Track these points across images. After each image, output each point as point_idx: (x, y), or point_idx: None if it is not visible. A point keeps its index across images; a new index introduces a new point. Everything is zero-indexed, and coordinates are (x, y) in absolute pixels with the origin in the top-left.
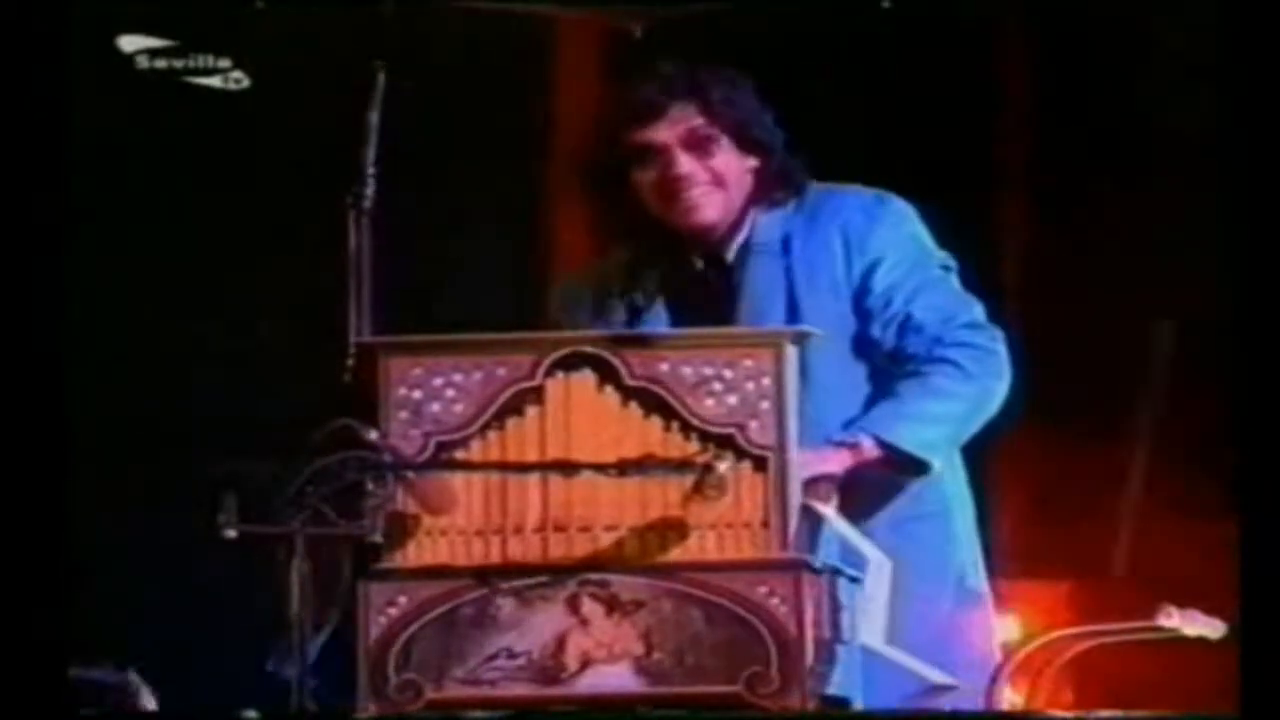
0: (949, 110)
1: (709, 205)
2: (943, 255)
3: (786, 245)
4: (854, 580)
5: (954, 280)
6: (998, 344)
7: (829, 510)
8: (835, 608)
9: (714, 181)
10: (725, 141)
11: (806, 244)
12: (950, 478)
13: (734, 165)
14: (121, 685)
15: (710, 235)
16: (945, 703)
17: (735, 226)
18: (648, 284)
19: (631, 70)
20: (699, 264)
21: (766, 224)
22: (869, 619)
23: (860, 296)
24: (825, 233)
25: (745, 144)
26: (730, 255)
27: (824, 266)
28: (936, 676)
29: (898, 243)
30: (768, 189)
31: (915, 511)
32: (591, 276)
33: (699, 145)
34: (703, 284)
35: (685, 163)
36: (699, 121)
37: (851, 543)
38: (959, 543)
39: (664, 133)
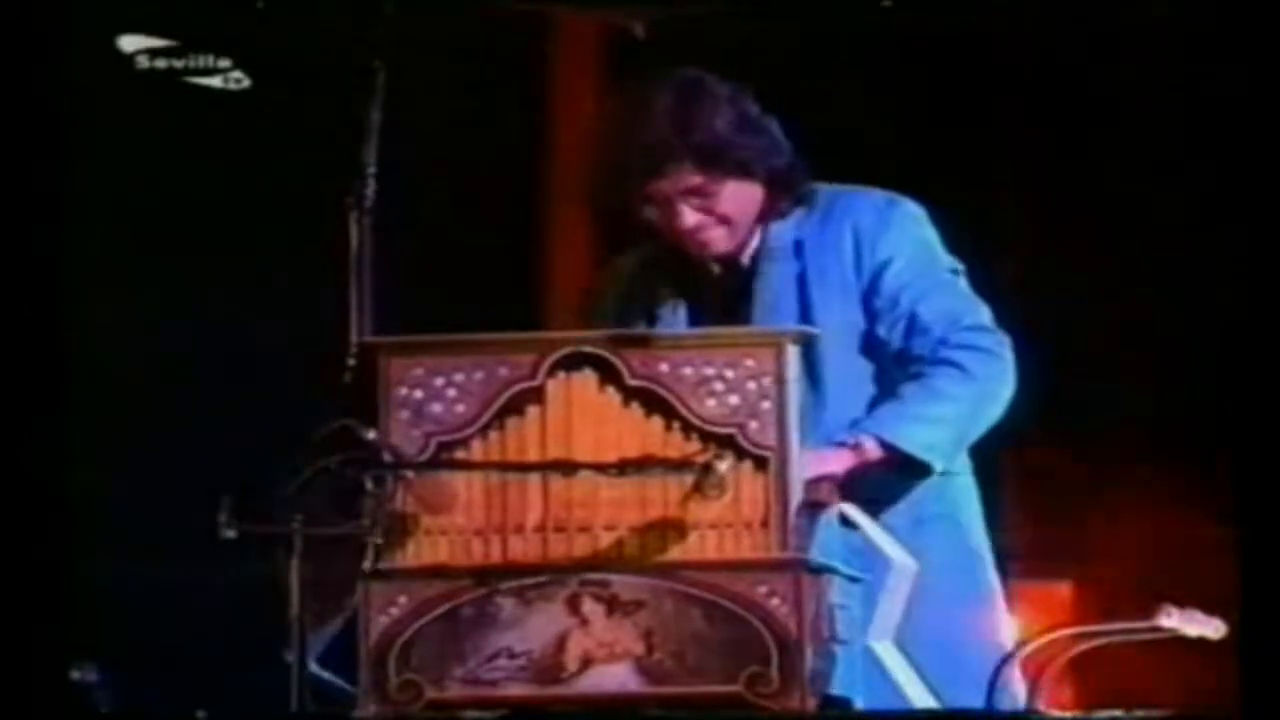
0: (950, 111)
1: (718, 241)
2: (952, 259)
3: (799, 248)
4: (853, 580)
5: (962, 284)
6: (1003, 348)
7: (859, 514)
8: (835, 607)
9: (720, 222)
10: (729, 185)
11: (819, 246)
12: (959, 478)
13: (738, 199)
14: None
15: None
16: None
17: (749, 233)
18: (665, 288)
19: (630, 97)
20: (715, 268)
21: (780, 228)
22: (882, 618)
23: (869, 297)
24: (837, 234)
25: (746, 175)
26: (745, 259)
27: (835, 267)
28: (918, 695)
29: (908, 245)
30: (775, 201)
31: (926, 512)
32: (609, 281)
33: (702, 196)
34: (719, 288)
35: (690, 216)
36: (698, 180)
37: (876, 544)
38: (970, 542)
39: (667, 186)
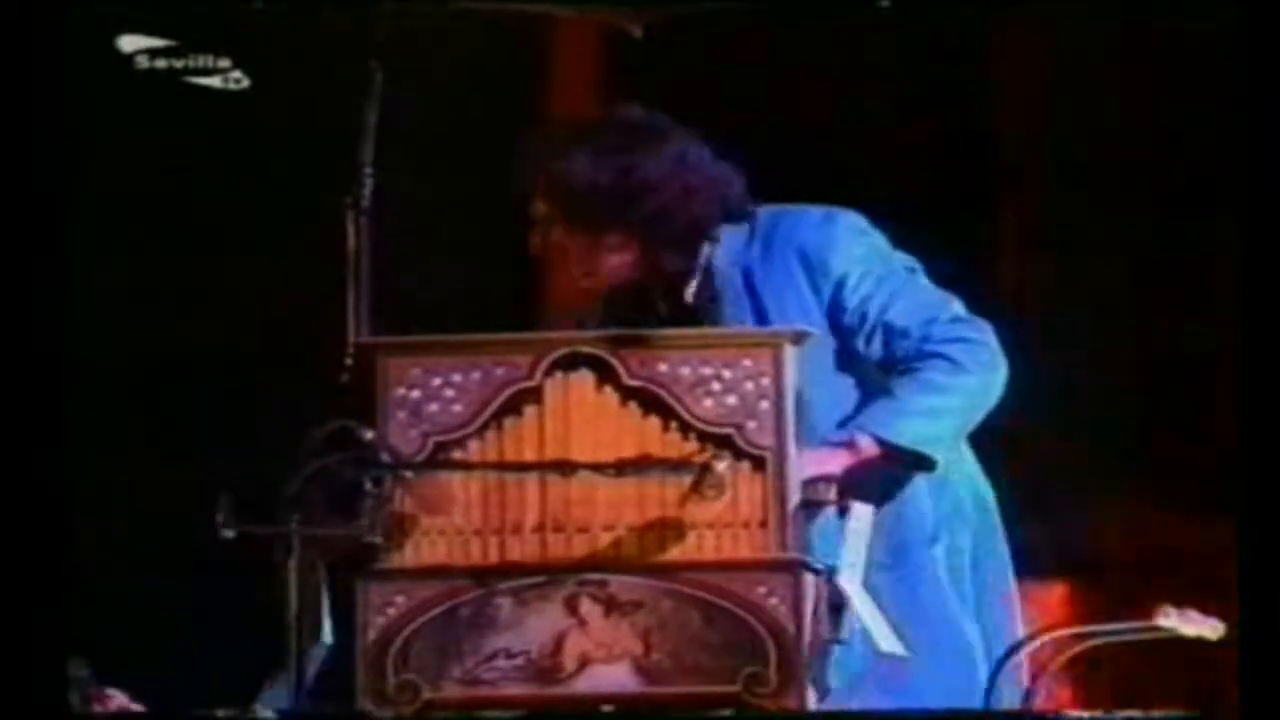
0: (948, 111)
1: (572, 275)
2: (904, 257)
3: (748, 278)
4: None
5: (923, 279)
6: (986, 334)
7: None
8: (834, 607)
9: (563, 255)
10: (568, 224)
11: (767, 275)
12: (963, 478)
13: (578, 241)
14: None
15: (611, 292)
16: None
17: (675, 270)
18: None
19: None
20: (663, 308)
21: (720, 260)
22: (848, 557)
23: (835, 316)
24: (783, 259)
25: (594, 224)
26: (690, 296)
27: (791, 294)
28: (887, 644)
29: (858, 256)
30: (657, 255)
31: (940, 530)
32: (585, 319)
33: (544, 224)
34: (672, 326)
35: (534, 238)
36: (541, 208)
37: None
38: (990, 541)
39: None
